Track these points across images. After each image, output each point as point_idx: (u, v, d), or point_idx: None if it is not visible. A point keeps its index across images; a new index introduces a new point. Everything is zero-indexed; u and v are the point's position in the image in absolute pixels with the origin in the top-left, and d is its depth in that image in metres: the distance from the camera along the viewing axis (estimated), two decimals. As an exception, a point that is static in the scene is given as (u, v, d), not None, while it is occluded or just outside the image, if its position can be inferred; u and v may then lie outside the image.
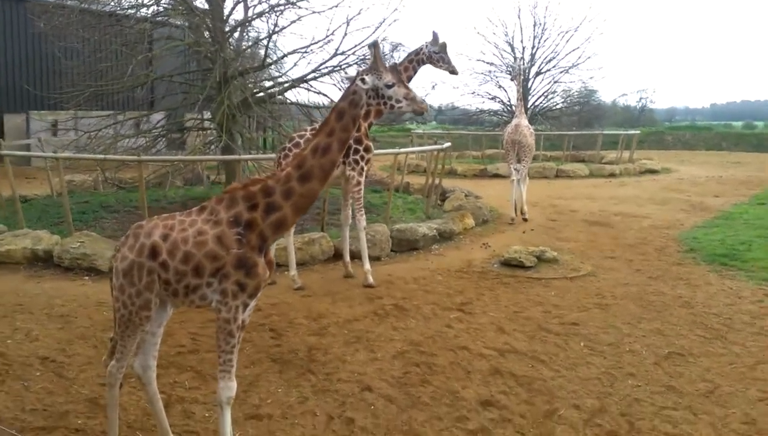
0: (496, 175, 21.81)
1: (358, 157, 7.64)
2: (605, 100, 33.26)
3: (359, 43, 12.33)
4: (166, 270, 3.85)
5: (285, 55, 12.38)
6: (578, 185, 19.52)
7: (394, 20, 12.22)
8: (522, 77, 16.97)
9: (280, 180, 3.98)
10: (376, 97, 4.23)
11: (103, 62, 13.26)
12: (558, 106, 29.31)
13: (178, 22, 14.22)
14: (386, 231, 9.24)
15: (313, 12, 12.59)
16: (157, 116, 15.36)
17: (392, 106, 4.26)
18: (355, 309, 6.87)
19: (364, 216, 7.89)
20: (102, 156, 9.59)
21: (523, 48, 28.60)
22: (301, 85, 12.70)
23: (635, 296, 7.35)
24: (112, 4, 14.09)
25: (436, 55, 8.35)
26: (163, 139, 13.98)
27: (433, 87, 24.31)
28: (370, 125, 7.82)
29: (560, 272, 8.35)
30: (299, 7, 12.70)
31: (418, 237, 9.45)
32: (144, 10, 12.81)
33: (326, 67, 12.65)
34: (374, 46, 4.22)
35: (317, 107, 14.16)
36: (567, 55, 28.14)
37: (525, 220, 12.28)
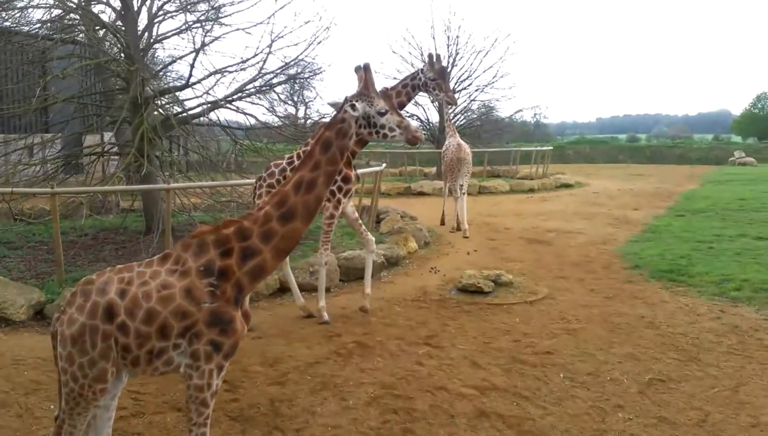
0: (421, 193, 21.78)
1: (335, 188, 6.98)
2: (503, 116, 34.06)
3: (291, 62, 11.75)
4: (126, 334, 3.21)
5: (211, 74, 11.52)
6: (502, 201, 19.74)
7: (326, 38, 11.70)
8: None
9: (258, 220, 3.45)
10: (367, 126, 3.78)
11: (2, 83, 11.92)
12: (461, 123, 29.63)
13: (82, 39, 13.05)
14: (334, 261, 8.69)
15: (238, 29, 11.92)
16: (58, 140, 14.01)
17: (385, 136, 3.83)
18: (315, 350, 6.28)
19: (328, 251, 7.36)
20: (9, 189, 8.42)
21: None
22: (228, 106, 11.95)
23: (599, 318, 7.20)
24: (10, 20, 12.83)
25: (432, 82, 7.54)
26: (65, 166, 12.70)
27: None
28: (353, 154, 7.11)
29: (519, 296, 8.11)
30: (222, 24, 12.00)
31: (367, 265, 8.95)
32: (47, 26, 11.65)
33: (252, 88, 12.01)
34: (365, 69, 3.75)
35: (242, 129, 13.47)
36: (483, 73, 28.55)
37: (466, 236, 12.41)
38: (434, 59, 7.67)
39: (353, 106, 3.67)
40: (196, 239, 3.39)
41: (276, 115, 13.27)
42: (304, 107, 42.73)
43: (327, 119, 13.45)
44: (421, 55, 28.15)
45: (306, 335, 6.72)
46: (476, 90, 28.75)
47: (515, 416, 4.90)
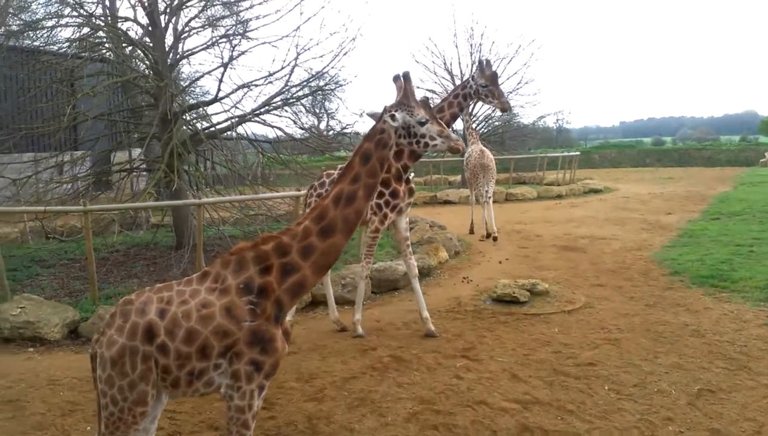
0: (447, 202, 21.63)
1: (382, 201, 6.77)
2: (525, 122, 33.75)
3: (317, 74, 11.74)
4: (166, 354, 3.14)
5: (239, 88, 11.55)
6: (531, 208, 19.49)
7: (352, 48, 11.67)
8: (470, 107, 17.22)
9: (297, 236, 3.37)
10: (407, 136, 3.69)
11: (34, 102, 12.11)
12: (483, 130, 29.30)
13: (109, 56, 13.20)
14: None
15: (264, 43, 11.95)
16: (88, 158, 14.16)
17: (426, 145, 3.74)
18: (350, 364, 6.18)
19: (370, 265, 7.28)
20: (42, 208, 8.49)
21: (462, 75, 28.58)
22: (255, 120, 11.97)
23: (641, 327, 6.98)
24: (39, 39, 13.04)
25: (483, 89, 7.26)
26: (95, 183, 12.82)
27: (361, 115, 23.73)
28: (405, 168, 6.83)
29: (556, 305, 7.93)
30: (248, 38, 12.04)
31: (399, 276, 8.86)
32: (75, 44, 11.82)
33: (280, 100, 12.01)
34: (405, 78, 3.66)
35: (269, 141, 13.47)
36: (507, 79, 28.28)
37: (495, 239, 12.51)
38: (485, 65, 7.41)
39: (393, 117, 3.58)
40: (235, 255, 3.32)
41: (302, 127, 13.20)
42: (326, 118, 42.89)
43: (348, 130, 13.48)
44: (444, 64, 28.08)
45: (341, 350, 6.62)
46: (501, 97, 28.46)
47: (560, 431, 4.73)
